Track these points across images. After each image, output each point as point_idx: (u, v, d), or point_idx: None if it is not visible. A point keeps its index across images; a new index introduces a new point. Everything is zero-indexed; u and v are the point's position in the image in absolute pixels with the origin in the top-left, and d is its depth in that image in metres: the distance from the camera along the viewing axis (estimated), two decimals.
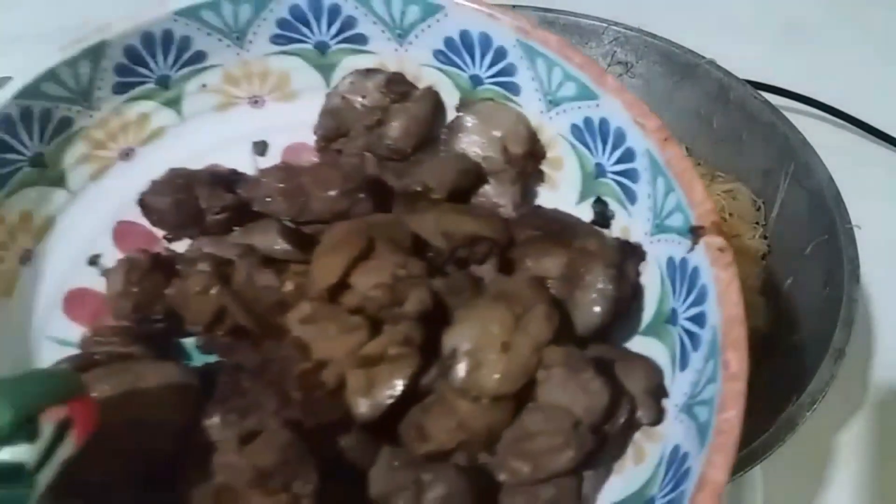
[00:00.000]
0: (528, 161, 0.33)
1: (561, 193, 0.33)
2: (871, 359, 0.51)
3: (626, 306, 0.29)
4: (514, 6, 0.57)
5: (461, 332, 0.27)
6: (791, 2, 0.78)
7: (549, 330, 0.26)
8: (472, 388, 0.26)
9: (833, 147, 0.50)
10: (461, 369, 0.26)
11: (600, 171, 0.31)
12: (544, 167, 0.34)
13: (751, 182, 0.52)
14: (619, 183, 0.30)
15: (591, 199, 0.32)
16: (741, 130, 0.52)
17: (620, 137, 0.29)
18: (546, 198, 0.34)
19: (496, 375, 0.26)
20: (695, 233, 0.26)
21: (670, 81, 0.55)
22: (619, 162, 0.30)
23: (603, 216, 0.31)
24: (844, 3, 0.78)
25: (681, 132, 0.56)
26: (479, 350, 0.26)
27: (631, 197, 0.30)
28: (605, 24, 0.56)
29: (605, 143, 0.30)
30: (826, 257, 0.44)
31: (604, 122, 0.30)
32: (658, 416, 0.27)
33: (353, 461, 0.26)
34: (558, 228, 0.31)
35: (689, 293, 0.26)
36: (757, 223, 0.51)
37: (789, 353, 0.43)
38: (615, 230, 0.31)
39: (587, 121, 0.30)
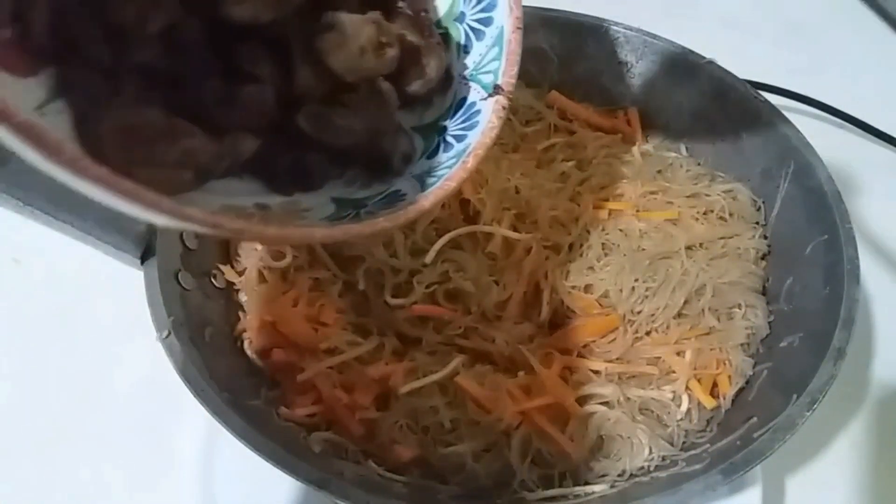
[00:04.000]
0: None
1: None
2: (871, 359, 0.51)
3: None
4: None
5: None
6: (791, 2, 0.78)
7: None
8: None
9: (833, 147, 0.50)
10: None
11: (461, 18, 0.36)
12: None
13: (751, 182, 0.52)
14: (467, 34, 0.36)
15: (442, 31, 0.36)
16: (741, 130, 0.52)
17: (490, 6, 0.35)
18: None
19: None
20: (495, 90, 0.33)
21: (670, 81, 0.55)
22: (477, 22, 0.35)
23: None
24: (844, 2, 0.78)
25: (681, 132, 0.56)
26: None
27: (468, 48, 0.36)
28: (605, 24, 0.56)
29: (477, 2, 0.35)
30: (826, 257, 0.44)
31: None
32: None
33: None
34: None
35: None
36: (757, 223, 0.51)
37: (789, 353, 0.44)
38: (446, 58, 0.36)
39: None
